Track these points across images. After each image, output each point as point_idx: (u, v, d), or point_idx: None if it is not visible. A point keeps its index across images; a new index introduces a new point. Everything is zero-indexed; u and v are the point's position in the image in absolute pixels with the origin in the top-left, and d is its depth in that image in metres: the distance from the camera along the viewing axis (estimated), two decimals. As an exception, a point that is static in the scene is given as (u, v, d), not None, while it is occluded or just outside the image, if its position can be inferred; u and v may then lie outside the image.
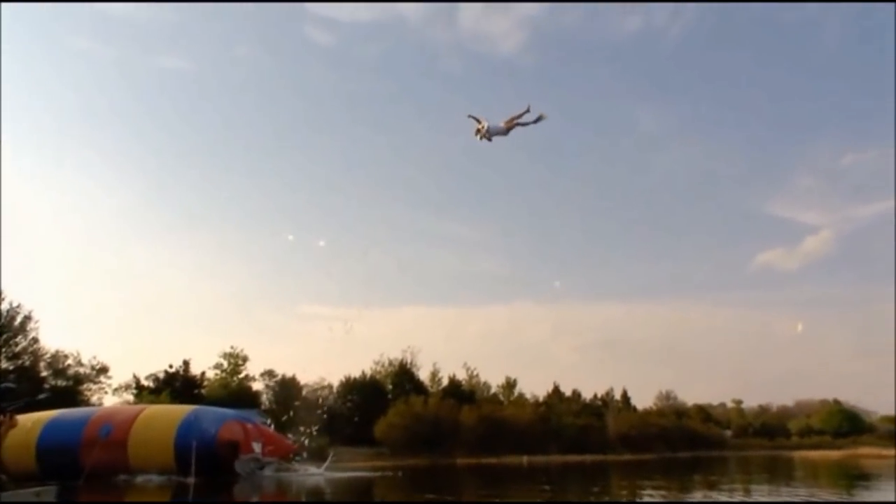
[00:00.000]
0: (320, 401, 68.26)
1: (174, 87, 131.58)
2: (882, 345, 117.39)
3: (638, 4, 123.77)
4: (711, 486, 24.58)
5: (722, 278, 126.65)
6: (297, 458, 38.64)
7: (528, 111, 14.53)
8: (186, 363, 62.38)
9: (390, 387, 70.61)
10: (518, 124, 14.53)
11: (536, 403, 77.49)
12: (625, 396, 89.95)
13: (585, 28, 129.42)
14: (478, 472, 36.39)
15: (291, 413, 59.74)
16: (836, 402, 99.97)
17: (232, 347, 66.46)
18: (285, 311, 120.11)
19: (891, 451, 64.99)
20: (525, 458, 53.96)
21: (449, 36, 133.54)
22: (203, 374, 63.91)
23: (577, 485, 26.08)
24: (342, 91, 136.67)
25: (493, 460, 52.86)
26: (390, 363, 73.53)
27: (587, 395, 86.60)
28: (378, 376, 72.65)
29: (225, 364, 65.93)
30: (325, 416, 55.83)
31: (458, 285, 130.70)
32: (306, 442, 47.65)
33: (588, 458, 59.47)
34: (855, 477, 31.67)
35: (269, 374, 67.85)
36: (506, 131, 14.49)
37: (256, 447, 28.12)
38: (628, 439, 72.12)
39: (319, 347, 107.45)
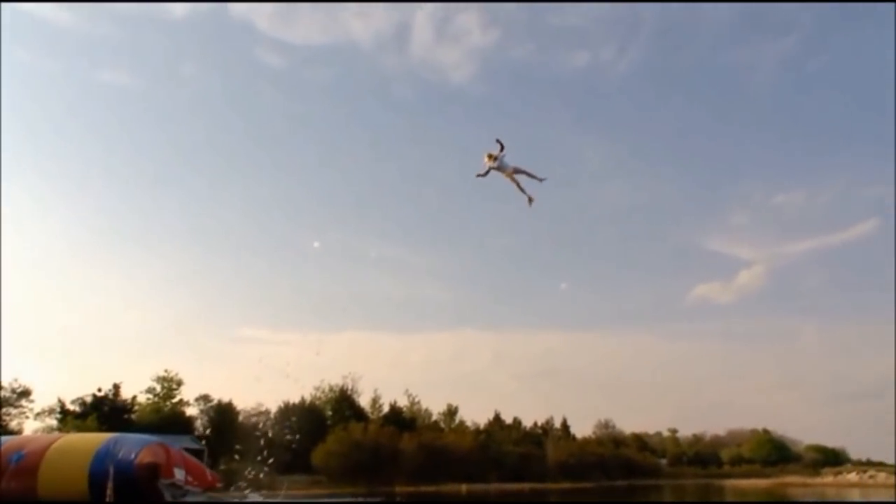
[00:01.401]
0: (257, 427, 66.58)
1: (117, 104, 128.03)
2: (808, 376, 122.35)
3: (585, 40, 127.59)
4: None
5: (660, 310, 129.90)
6: (235, 486, 37.45)
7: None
8: (117, 387, 59.95)
9: (330, 413, 69.37)
10: (525, 173, 14.56)
11: (477, 431, 77.32)
12: (564, 425, 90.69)
13: (535, 61, 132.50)
14: None
15: (228, 439, 58.18)
16: (766, 431, 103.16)
17: (166, 371, 64.17)
18: (222, 334, 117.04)
19: (815, 480, 67.46)
20: (464, 487, 53.66)
21: (401, 63, 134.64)
22: (134, 398, 61.48)
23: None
24: (291, 114, 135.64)
25: (431, 489, 52.38)
26: (331, 389, 72.34)
27: (528, 423, 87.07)
28: (318, 402, 71.32)
29: (158, 388, 63.55)
30: (262, 442, 54.43)
31: (401, 311, 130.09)
32: (250, 471, 46.39)
33: (527, 486, 59.61)
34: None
35: (205, 398, 65.74)
36: (512, 171, 14.46)
37: (178, 473, 27.06)
38: (567, 468, 72.54)
39: (257, 372, 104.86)
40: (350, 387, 72.91)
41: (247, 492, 35.34)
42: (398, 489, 52.41)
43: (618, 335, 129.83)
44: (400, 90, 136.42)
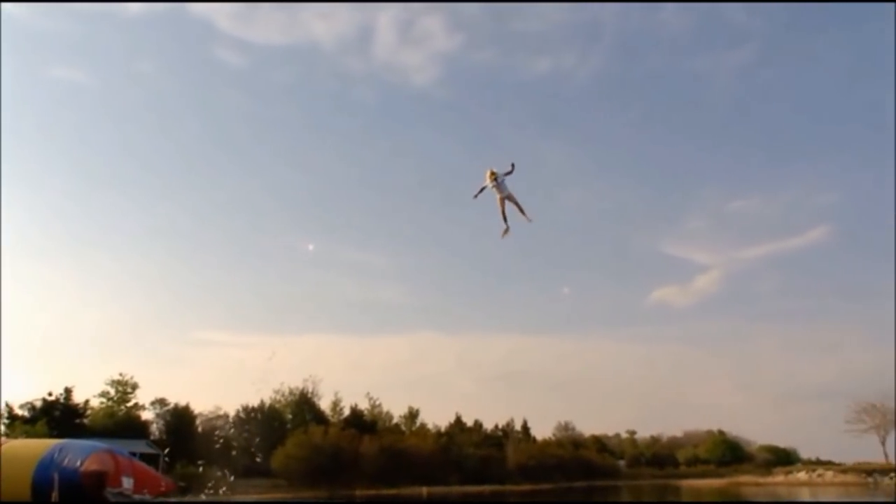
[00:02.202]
0: (216, 431, 65.58)
1: (72, 102, 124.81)
2: (762, 378, 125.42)
3: (548, 46, 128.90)
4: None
5: (620, 313, 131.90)
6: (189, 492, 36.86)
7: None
8: (68, 391, 58.35)
9: (290, 416, 68.69)
10: (517, 205, 14.49)
11: (438, 434, 77.36)
12: (525, 427, 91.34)
13: (498, 66, 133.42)
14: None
15: (185, 443, 57.11)
16: (721, 432, 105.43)
17: (121, 374, 62.70)
18: (180, 337, 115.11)
19: (767, 479, 69.23)
20: (425, 490, 53.65)
21: (363, 65, 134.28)
22: (87, 402, 59.96)
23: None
24: (250, 114, 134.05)
25: (392, 492, 52.24)
26: (290, 392, 71.65)
27: (489, 425, 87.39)
28: (277, 405, 70.56)
29: (112, 392, 62.07)
30: (220, 446, 53.67)
31: (362, 314, 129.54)
32: (215, 478, 45.65)
33: (488, 488, 59.89)
34: (735, 505, 33.50)
35: (161, 402, 64.48)
36: (506, 196, 14.34)
37: (126, 482, 26.47)
38: (527, 469, 73.08)
39: (215, 375, 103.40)
40: (310, 390, 72.38)
41: (202, 496, 34.89)
42: (358, 492, 52.15)
43: (578, 338, 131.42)
44: (362, 92, 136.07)
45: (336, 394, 75.73)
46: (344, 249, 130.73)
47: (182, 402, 64.44)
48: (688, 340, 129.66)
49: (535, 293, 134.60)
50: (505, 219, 14.03)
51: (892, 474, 62.79)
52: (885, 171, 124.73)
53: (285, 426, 65.58)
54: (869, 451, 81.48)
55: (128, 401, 62.44)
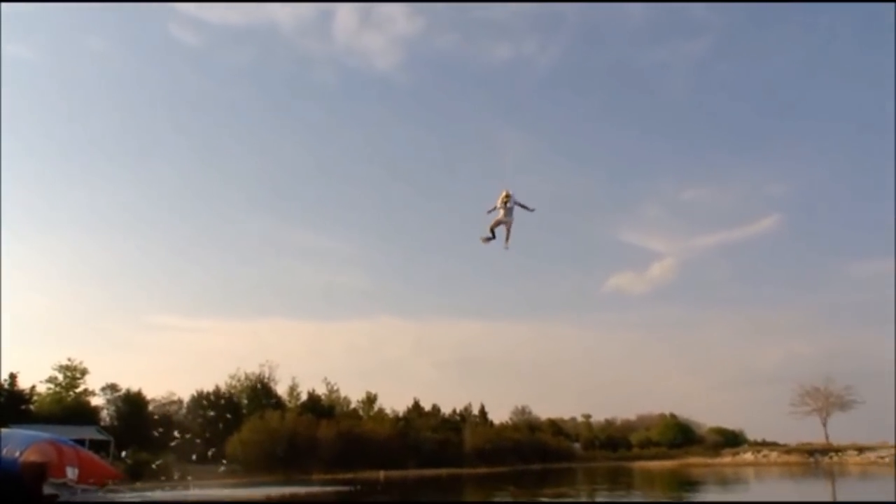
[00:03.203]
0: (169, 417, 64.53)
1: (21, 79, 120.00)
2: (712, 363, 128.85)
3: (508, 34, 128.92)
4: (558, 496, 25.80)
5: (577, 300, 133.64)
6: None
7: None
8: (13, 376, 56.57)
9: (246, 402, 67.97)
10: (507, 230, 14.26)
11: (396, 418, 77.57)
12: (482, 411, 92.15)
13: (459, 53, 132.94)
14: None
15: (137, 429, 56.04)
16: (673, 415, 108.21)
17: (69, 359, 61.09)
18: (132, 321, 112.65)
19: (716, 460, 71.37)
20: (382, 474, 53.81)
21: (323, 48, 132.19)
22: (33, 388, 58.29)
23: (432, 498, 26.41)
24: (207, 94, 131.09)
25: (349, 475, 52.26)
26: (247, 377, 70.83)
27: (446, 410, 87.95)
28: (233, 391, 69.71)
29: (60, 377, 60.44)
30: (173, 432, 52.86)
31: (320, 299, 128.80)
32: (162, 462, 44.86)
33: (444, 471, 60.36)
34: (684, 484, 34.48)
35: (112, 388, 63.07)
36: (506, 220, 14.10)
37: (71, 472, 25.89)
38: (484, 453, 73.87)
39: (169, 360, 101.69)
40: (267, 375, 71.68)
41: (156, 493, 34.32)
42: (315, 477, 52.01)
43: (535, 324, 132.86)
44: (322, 75, 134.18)
45: (293, 379, 75.25)
46: (302, 234, 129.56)
47: (134, 388, 63.28)
48: (643, 327, 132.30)
49: (493, 279, 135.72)
50: (493, 231, 13.88)
51: (832, 454, 65.40)
52: (832, 163, 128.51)
53: (241, 412, 64.92)
54: (811, 432, 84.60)
55: (76, 386, 60.91)
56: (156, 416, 62.66)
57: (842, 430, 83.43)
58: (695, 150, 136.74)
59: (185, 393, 67.73)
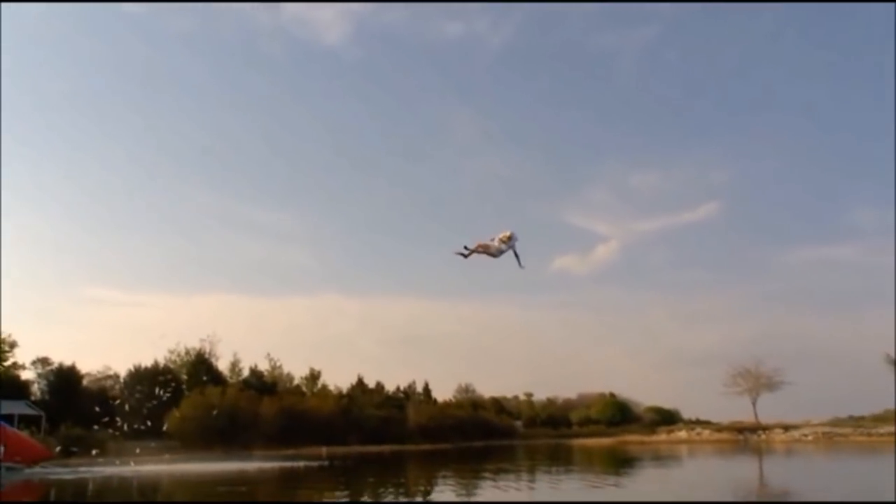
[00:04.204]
0: (105, 391, 62.80)
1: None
2: (651, 344, 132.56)
3: (460, 12, 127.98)
4: (497, 472, 26.09)
5: (521, 280, 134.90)
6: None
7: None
8: (-63, 349, 54.12)
9: (185, 377, 66.60)
10: (485, 253, 13.70)
11: (340, 395, 77.36)
12: (426, 389, 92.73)
13: (408, 28, 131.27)
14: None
15: (71, 404, 54.23)
16: (612, 394, 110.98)
17: (-3, 331, 58.61)
18: (66, 293, 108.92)
19: (651, 438, 73.66)
20: (324, 450, 53.67)
21: (270, 18, 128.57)
22: (-43, 362, 55.83)
23: (370, 475, 26.38)
24: (148, 62, 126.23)
25: (290, 451, 51.95)
26: (187, 352, 69.37)
27: (390, 387, 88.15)
28: (172, 366, 68.18)
29: (-13, 351, 58.02)
30: (109, 407, 51.41)
31: (265, 275, 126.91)
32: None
33: (387, 448, 60.58)
34: (621, 461, 35.41)
35: (44, 361, 60.90)
36: (493, 254, 13.58)
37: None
38: (427, 430, 74.40)
39: (106, 334, 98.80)
40: (208, 350, 70.37)
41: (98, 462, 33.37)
42: (256, 453, 51.49)
43: (480, 303, 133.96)
44: (269, 47, 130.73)
45: (235, 355, 74.15)
46: (246, 209, 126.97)
47: (68, 362, 61.28)
48: (585, 308, 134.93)
49: (439, 258, 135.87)
50: (469, 251, 13.33)
51: (760, 432, 68.30)
52: (770, 153, 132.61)
53: (180, 387, 63.60)
54: (742, 411, 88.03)
55: (5, 360, 58.52)
56: (91, 391, 60.91)
57: (770, 409, 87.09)
58: (642, 136, 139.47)
59: (122, 368, 66.05)
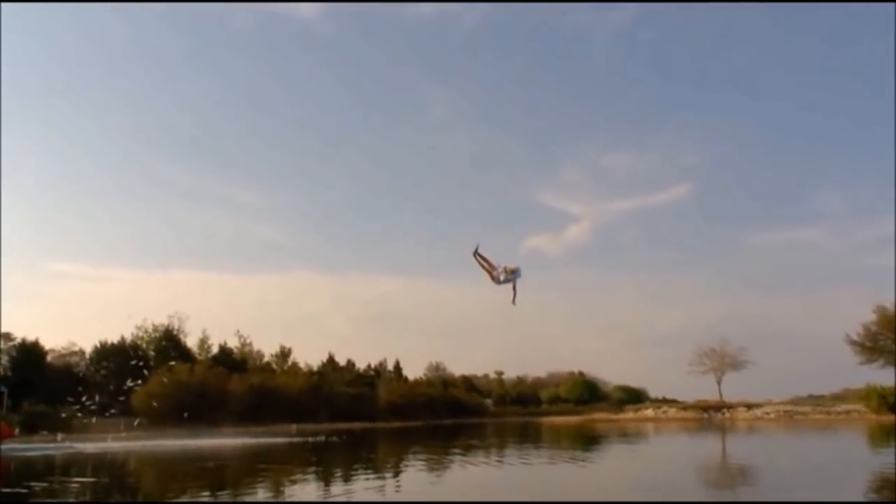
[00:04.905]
0: (70, 368, 61.88)
1: None
2: (620, 324, 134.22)
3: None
4: (466, 449, 26.32)
5: (495, 259, 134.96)
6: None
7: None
8: None
9: (153, 354, 65.85)
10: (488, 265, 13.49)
11: (310, 373, 77.23)
12: (397, 367, 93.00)
13: (382, 4, 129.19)
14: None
15: (34, 381, 53.38)
16: (581, 373, 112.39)
17: (-43, 306, 57.34)
18: (31, 267, 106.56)
19: (619, 416, 74.94)
20: (294, 427, 53.62)
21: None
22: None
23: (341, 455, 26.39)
24: (117, 36, 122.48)
25: (260, 429, 51.81)
26: (154, 329, 68.52)
27: (361, 365, 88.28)
28: (140, 342, 67.35)
29: (-55, 326, 56.73)
30: (74, 383, 50.74)
31: (235, 251, 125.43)
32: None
33: (357, 425, 60.74)
34: (587, 438, 35.97)
35: (6, 337, 59.70)
36: (494, 276, 13.36)
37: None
38: (397, 408, 74.72)
39: (72, 310, 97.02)
40: (176, 327, 69.60)
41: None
42: (226, 430, 51.25)
43: (452, 282, 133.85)
44: (240, 19, 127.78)
45: (204, 332, 73.46)
46: (216, 185, 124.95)
47: (31, 338, 60.16)
48: (557, 287, 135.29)
49: (411, 237, 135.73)
50: (483, 260, 13.19)
51: (724, 410, 69.89)
52: (741, 137, 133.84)
53: (148, 364, 62.90)
54: (707, 390, 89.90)
55: (-34, 335, 57.39)
56: (55, 368, 59.97)
57: (734, 388, 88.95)
58: (616, 117, 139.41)
59: (88, 344, 65.07)
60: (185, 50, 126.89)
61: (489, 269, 13.24)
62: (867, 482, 14.79)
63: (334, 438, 37.12)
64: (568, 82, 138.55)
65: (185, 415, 52.85)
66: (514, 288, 13.15)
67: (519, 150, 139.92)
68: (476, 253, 13.34)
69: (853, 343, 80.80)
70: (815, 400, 77.05)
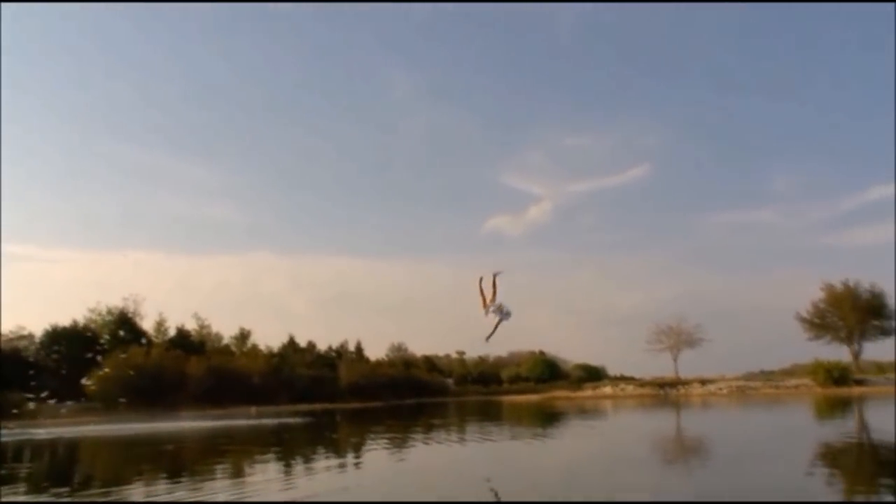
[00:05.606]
0: (18, 352, 60.18)
1: None
2: (580, 304, 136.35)
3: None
4: (428, 429, 26.51)
5: (456, 239, 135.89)
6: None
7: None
8: None
9: (107, 337, 64.47)
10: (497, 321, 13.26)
11: (270, 354, 76.64)
12: (359, 348, 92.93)
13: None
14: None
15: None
16: (541, 352, 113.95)
17: None
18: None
19: (577, 393, 76.22)
20: (254, 409, 53.28)
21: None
22: None
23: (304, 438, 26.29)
24: (61, 9, 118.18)
25: (220, 411, 51.31)
26: (109, 311, 67.01)
27: (322, 346, 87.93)
28: (93, 325, 65.82)
29: None
30: (24, 368, 49.39)
31: (192, 232, 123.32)
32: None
33: (318, 406, 60.61)
34: (547, 416, 36.54)
35: (-49, 321, 57.72)
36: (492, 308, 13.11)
37: None
38: (359, 388, 74.77)
39: (21, 292, 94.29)
40: (131, 309, 68.21)
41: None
42: (184, 413, 50.61)
43: (413, 262, 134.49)
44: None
45: (160, 314, 72.18)
46: (172, 164, 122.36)
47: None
48: (518, 267, 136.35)
49: (372, 217, 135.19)
50: (494, 283, 13.07)
51: (679, 386, 71.66)
52: (699, 119, 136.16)
53: (102, 347, 61.61)
54: (664, 367, 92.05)
55: None
56: (3, 352, 58.21)
57: (689, 365, 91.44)
58: (578, 99, 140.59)
59: (38, 328, 63.35)
60: (138, 27, 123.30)
61: (485, 300, 13.25)
62: (810, 450, 15.36)
63: (299, 419, 36.96)
64: (530, 65, 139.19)
65: (142, 399, 52.06)
66: (496, 328, 13.23)
67: (481, 132, 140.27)
68: (482, 281, 13.24)
69: (803, 320, 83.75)
70: (766, 375, 79.53)
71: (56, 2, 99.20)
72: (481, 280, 13.46)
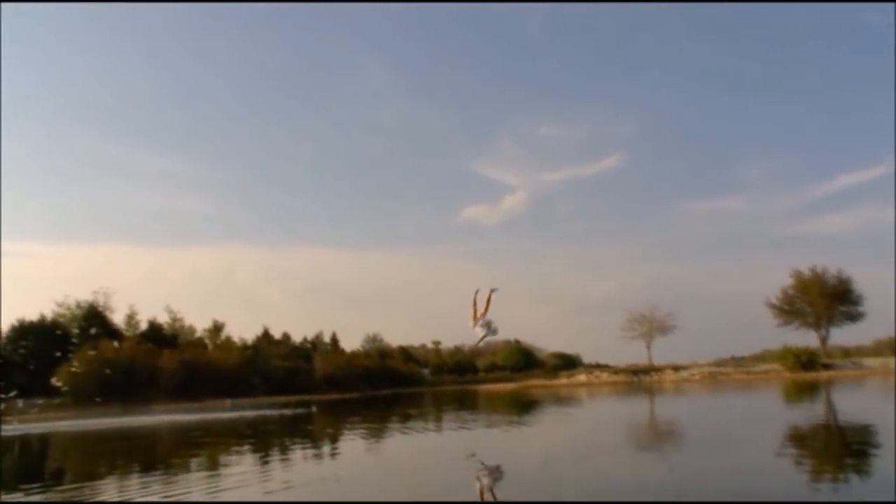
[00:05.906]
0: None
1: None
2: (556, 293, 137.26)
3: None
4: (404, 419, 26.56)
5: (431, 229, 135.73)
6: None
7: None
8: None
9: (77, 331, 63.41)
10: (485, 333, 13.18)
11: (244, 347, 76.04)
12: (334, 339, 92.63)
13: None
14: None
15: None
16: (517, 341, 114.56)
17: None
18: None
19: (553, 381, 76.92)
20: (228, 402, 52.81)
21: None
22: None
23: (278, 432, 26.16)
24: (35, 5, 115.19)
25: (194, 405, 50.80)
26: (78, 305, 65.87)
27: (297, 338, 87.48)
28: (62, 319, 64.66)
29: None
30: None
31: (164, 224, 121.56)
32: None
33: (294, 398, 60.30)
34: (523, 404, 36.81)
35: (-87, 317, 56.28)
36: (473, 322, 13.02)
37: None
38: (334, 379, 74.54)
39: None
40: (102, 303, 67.13)
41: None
42: (156, 407, 50.02)
43: (388, 253, 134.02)
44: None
45: (131, 307, 71.16)
46: (143, 156, 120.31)
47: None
48: (493, 257, 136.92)
49: (345, 208, 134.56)
50: (488, 299, 13.05)
51: (652, 373, 72.68)
52: (671, 109, 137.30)
53: (71, 342, 60.56)
54: (638, 354, 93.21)
55: None
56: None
57: (663, 351, 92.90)
58: (552, 88, 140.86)
59: (5, 322, 62.11)
60: (109, 19, 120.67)
61: (475, 314, 13.35)
62: (780, 433, 15.69)
63: (275, 412, 36.75)
64: (503, 53, 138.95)
65: (113, 394, 51.33)
66: (480, 341, 13.36)
67: (455, 122, 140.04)
68: (477, 293, 13.41)
69: (772, 306, 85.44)
70: (737, 361, 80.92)
71: (30, 1, 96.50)
72: (476, 292, 13.52)
